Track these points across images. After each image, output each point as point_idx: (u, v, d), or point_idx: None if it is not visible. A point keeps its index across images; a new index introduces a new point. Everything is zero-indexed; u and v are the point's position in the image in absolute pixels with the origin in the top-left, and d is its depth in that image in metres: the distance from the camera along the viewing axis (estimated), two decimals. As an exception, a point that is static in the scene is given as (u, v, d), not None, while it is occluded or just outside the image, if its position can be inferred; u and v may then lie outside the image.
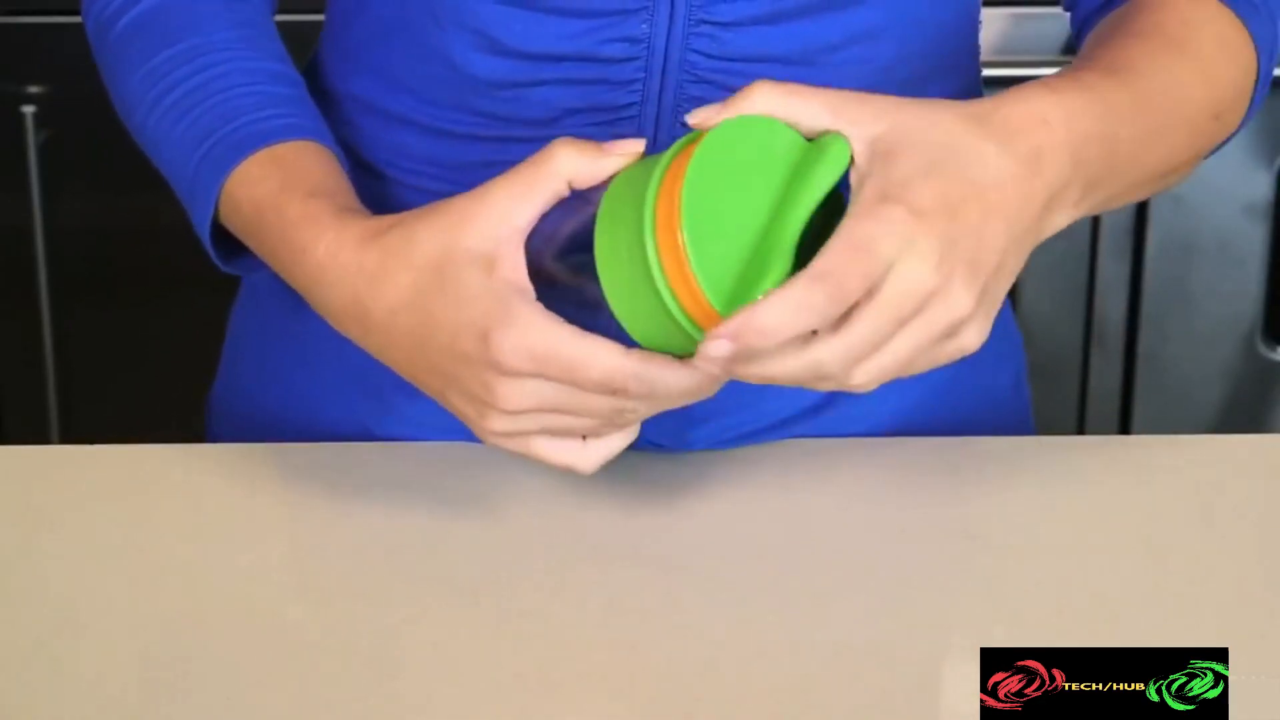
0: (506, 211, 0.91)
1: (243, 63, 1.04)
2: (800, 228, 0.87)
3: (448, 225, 0.92)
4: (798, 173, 0.88)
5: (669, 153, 0.89)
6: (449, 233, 0.92)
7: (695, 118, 0.89)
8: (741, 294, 0.87)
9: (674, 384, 0.89)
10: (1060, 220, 0.93)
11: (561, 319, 0.90)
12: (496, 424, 0.92)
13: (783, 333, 0.85)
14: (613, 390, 0.89)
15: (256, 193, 1.00)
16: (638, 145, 0.91)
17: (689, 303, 0.87)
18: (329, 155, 1.02)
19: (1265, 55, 1.04)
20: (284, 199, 0.99)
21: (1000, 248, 0.88)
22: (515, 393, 0.91)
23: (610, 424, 0.92)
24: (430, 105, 1.06)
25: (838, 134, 0.89)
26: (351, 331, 0.97)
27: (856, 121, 0.89)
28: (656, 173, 0.87)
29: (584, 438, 0.93)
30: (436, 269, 0.92)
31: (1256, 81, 1.04)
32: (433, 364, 0.94)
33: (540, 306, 0.90)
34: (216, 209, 1.02)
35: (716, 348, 0.86)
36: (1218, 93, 1.02)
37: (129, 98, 1.06)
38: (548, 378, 0.90)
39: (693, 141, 0.89)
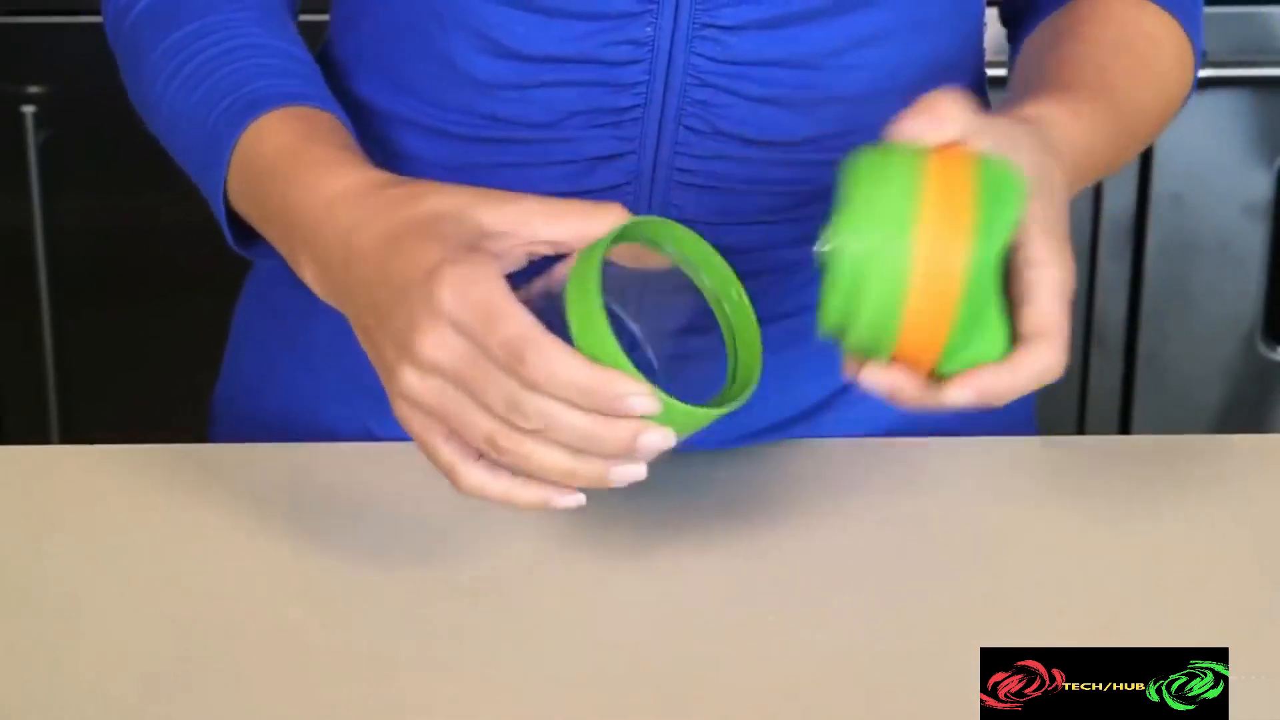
0: (529, 214, 0.91)
1: (262, 38, 1.03)
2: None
3: (468, 199, 0.91)
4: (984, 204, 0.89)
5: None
6: (463, 199, 0.91)
7: (898, 132, 0.90)
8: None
9: (567, 370, 0.85)
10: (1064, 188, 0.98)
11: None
12: (407, 379, 0.89)
13: (1023, 391, 0.91)
14: (515, 358, 0.86)
15: (279, 140, 0.99)
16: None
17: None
18: (346, 125, 1.02)
19: (1198, 67, 1.12)
20: (309, 144, 0.98)
21: None
22: (433, 340, 0.87)
23: (501, 436, 0.88)
24: (433, 107, 1.06)
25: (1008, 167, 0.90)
26: (324, 270, 0.95)
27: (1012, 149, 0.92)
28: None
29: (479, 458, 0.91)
30: (433, 218, 0.91)
31: (1189, 93, 1.12)
32: (377, 300, 0.91)
33: (498, 266, 0.88)
34: (228, 176, 1.00)
35: (959, 395, 0.89)
36: (1169, 109, 1.10)
37: (146, 76, 1.05)
38: (468, 331, 0.87)
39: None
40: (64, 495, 1.06)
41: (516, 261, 0.91)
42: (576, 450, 0.87)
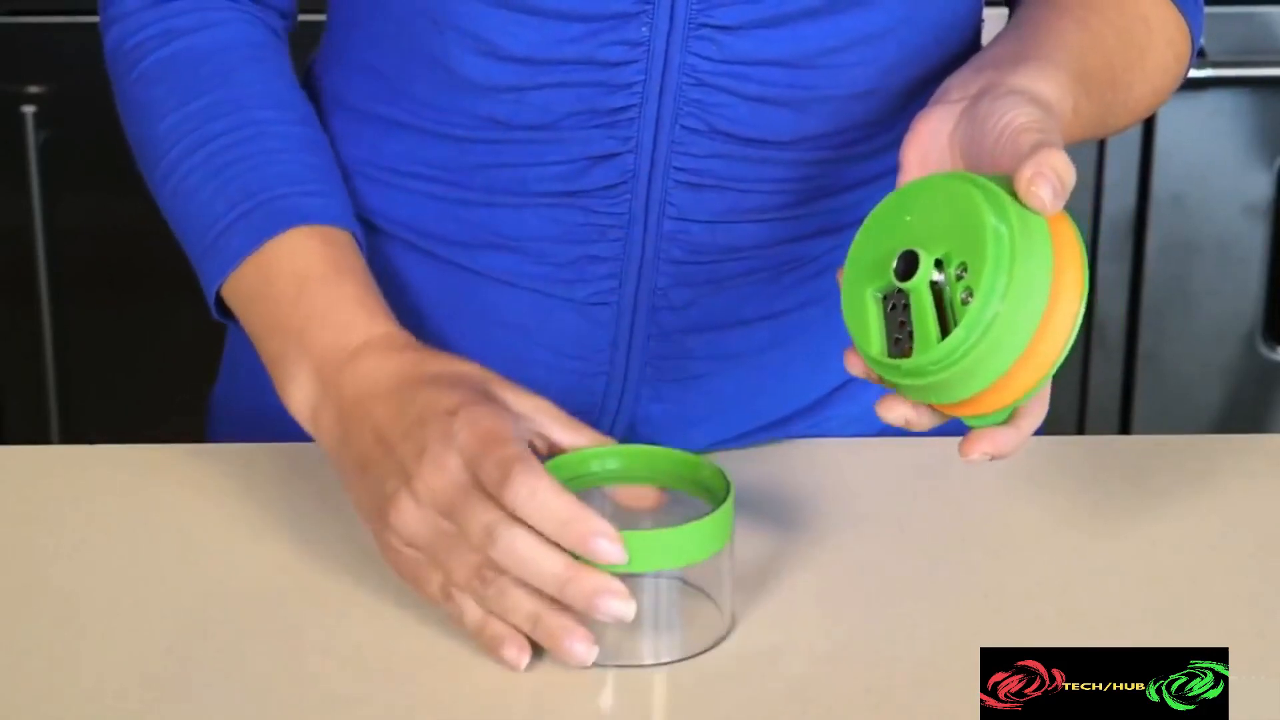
0: (542, 410, 0.95)
1: (278, 126, 1.05)
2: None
3: (492, 374, 0.95)
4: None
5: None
6: (488, 373, 0.95)
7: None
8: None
9: (549, 492, 0.88)
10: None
11: None
12: (402, 511, 0.91)
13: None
14: (504, 475, 0.88)
15: (302, 264, 1.01)
16: None
17: None
18: (361, 244, 1.04)
19: (1193, 57, 1.12)
20: (337, 279, 1.00)
21: None
22: (436, 466, 0.90)
23: (481, 572, 0.90)
24: (430, 109, 1.06)
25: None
26: (330, 404, 0.98)
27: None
28: None
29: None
30: (458, 376, 0.94)
31: (1179, 80, 1.13)
32: (387, 435, 0.94)
33: (512, 418, 0.92)
34: (233, 274, 1.03)
35: (976, 456, 0.91)
36: (1157, 96, 1.10)
37: (154, 143, 1.06)
38: (469, 454, 0.90)
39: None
40: (64, 495, 1.06)
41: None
42: (544, 599, 0.89)
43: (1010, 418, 0.91)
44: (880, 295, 0.89)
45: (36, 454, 1.14)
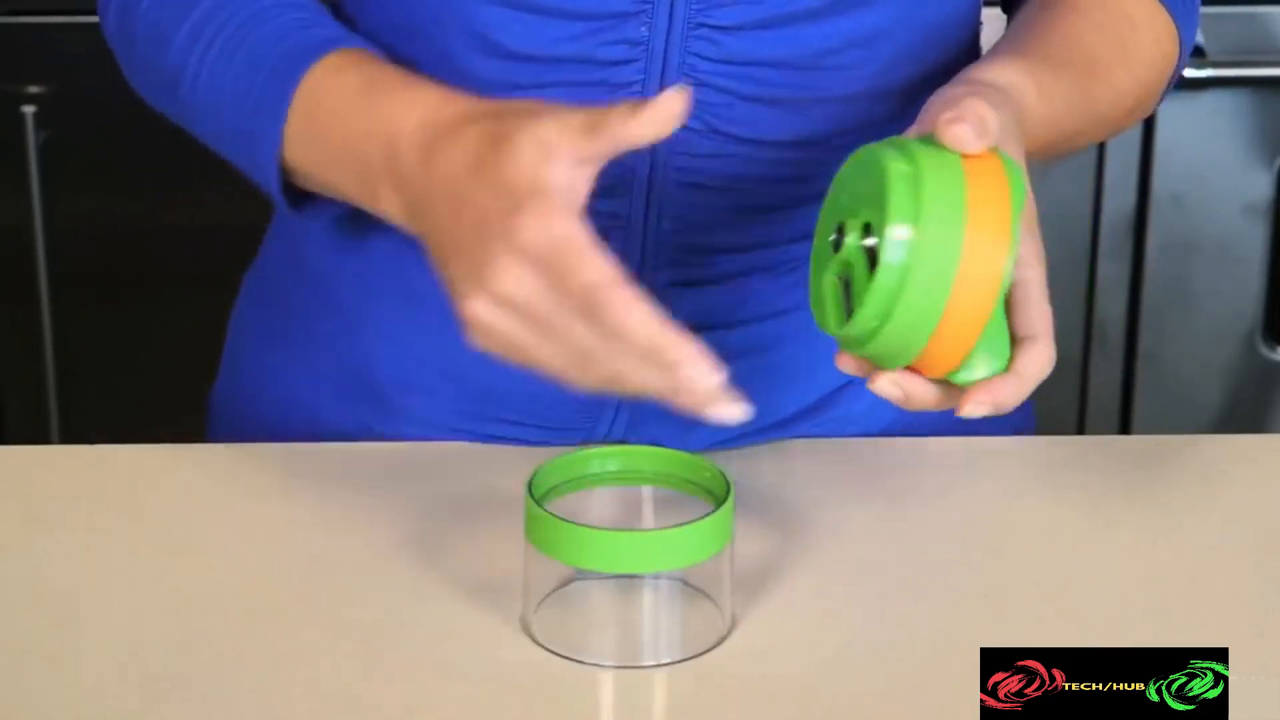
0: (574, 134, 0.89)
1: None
2: None
3: (541, 137, 0.89)
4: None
5: None
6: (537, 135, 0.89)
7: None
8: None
9: (643, 327, 0.86)
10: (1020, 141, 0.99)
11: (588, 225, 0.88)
12: (480, 310, 0.89)
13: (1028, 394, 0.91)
14: (592, 305, 0.86)
15: (347, 78, 0.98)
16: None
17: None
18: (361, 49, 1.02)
19: (1184, 55, 1.12)
20: (383, 72, 0.98)
21: None
22: (509, 275, 0.87)
23: (574, 365, 0.89)
24: (430, 105, 1.06)
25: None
26: (403, 196, 0.95)
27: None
28: None
29: None
30: (512, 152, 0.89)
31: (1170, 79, 1.12)
32: (453, 226, 0.91)
33: (575, 208, 0.87)
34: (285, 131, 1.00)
35: (977, 409, 0.90)
36: (1146, 97, 1.10)
37: (172, 61, 1.04)
38: (547, 269, 0.87)
39: None
40: (64, 495, 1.06)
41: (589, 179, 0.89)
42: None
43: (1009, 368, 0.90)
44: (837, 277, 0.90)
45: (36, 454, 1.14)
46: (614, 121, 0.87)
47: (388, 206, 0.96)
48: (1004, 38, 1.06)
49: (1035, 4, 1.10)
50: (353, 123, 0.98)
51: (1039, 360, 0.91)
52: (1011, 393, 0.90)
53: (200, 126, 1.05)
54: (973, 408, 0.90)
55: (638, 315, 0.86)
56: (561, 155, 0.87)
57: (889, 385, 0.91)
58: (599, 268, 0.86)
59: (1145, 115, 1.14)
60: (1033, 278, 0.92)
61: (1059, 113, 1.01)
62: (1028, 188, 0.92)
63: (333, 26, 1.03)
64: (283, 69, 1.00)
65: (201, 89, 1.03)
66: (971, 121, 0.88)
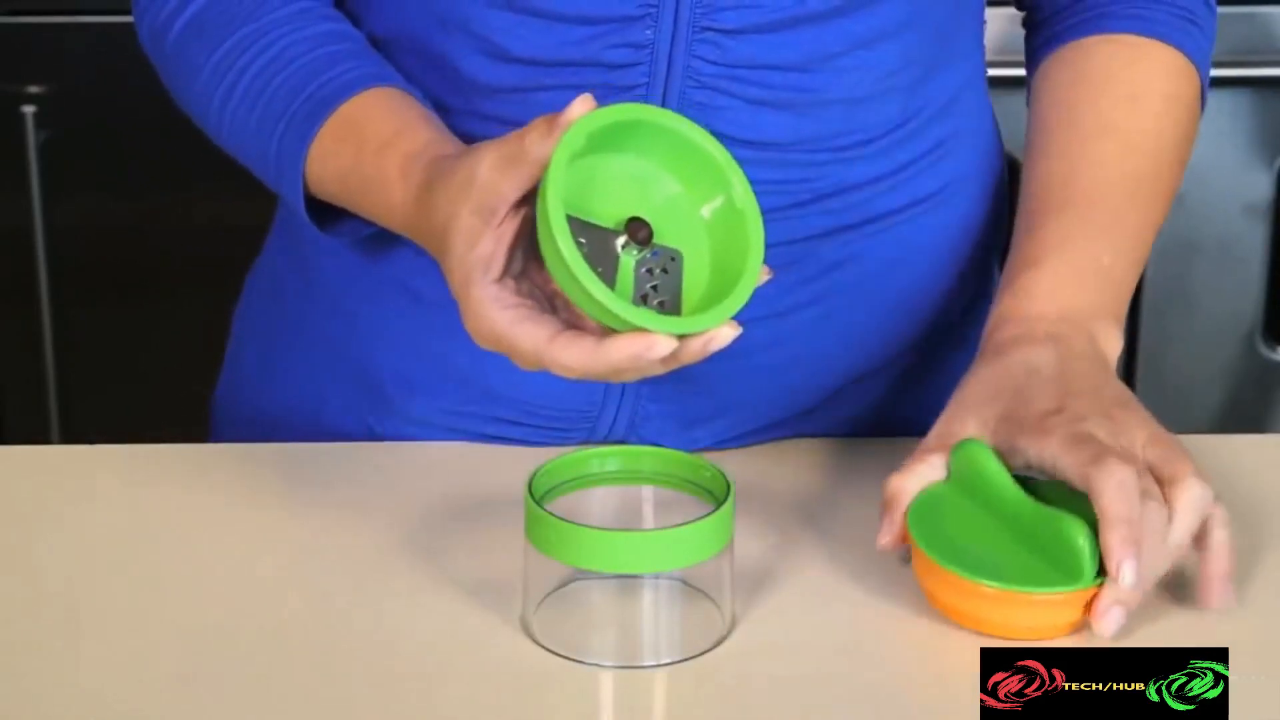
0: (495, 183, 0.92)
1: (299, 33, 1.05)
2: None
3: (455, 193, 0.94)
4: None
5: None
6: (455, 201, 0.93)
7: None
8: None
9: (584, 361, 0.90)
10: (1115, 341, 1.12)
11: (509, 301, 0.92)
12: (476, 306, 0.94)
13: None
14: (539, 365, 0.91)
15: (332, 165, 1.02)
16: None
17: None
18: (388, 94, 1.03)
19: (1205, 91, 1.13)
20: (360, 161, 1.00)
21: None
22: (477, 333, 0.93)
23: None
24: (437, 109, 1.06)
25: None
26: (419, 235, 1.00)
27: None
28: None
29: None
30: (443, 232, 0.94)
31: (1200, 113, 1.13)
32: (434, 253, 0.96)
33: (493, 290, 0.92)
34: (307, 186, 1.03)
35: (1117, 613, 0.92)
36: (1185, 151, 1.12)
37: (198, 98, 1.07)
38: (497, 345, 0.92)
39: None
40: (63, 495, 1.06)
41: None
42: None
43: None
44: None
45: (36, 454, 1.14)
46: (531, 147, 0.90)
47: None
48: (1048, 210, 1.08)
49: (1062, 89, 1.11)
50: (359, 200, 1.03)
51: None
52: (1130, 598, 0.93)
53: (235, 153, 1.09)
54: (1110, 623, 0.92)
55: (578, 353, 0.90)
56: (479, 244, 0.92)
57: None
58: (531, 336, 0.91)
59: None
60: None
61: (1132, 265, 1.07)
62: None
63: (342, 67, 1.04)
64: (291, 139, 1.03)
65: (227, 131, 1.07)
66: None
